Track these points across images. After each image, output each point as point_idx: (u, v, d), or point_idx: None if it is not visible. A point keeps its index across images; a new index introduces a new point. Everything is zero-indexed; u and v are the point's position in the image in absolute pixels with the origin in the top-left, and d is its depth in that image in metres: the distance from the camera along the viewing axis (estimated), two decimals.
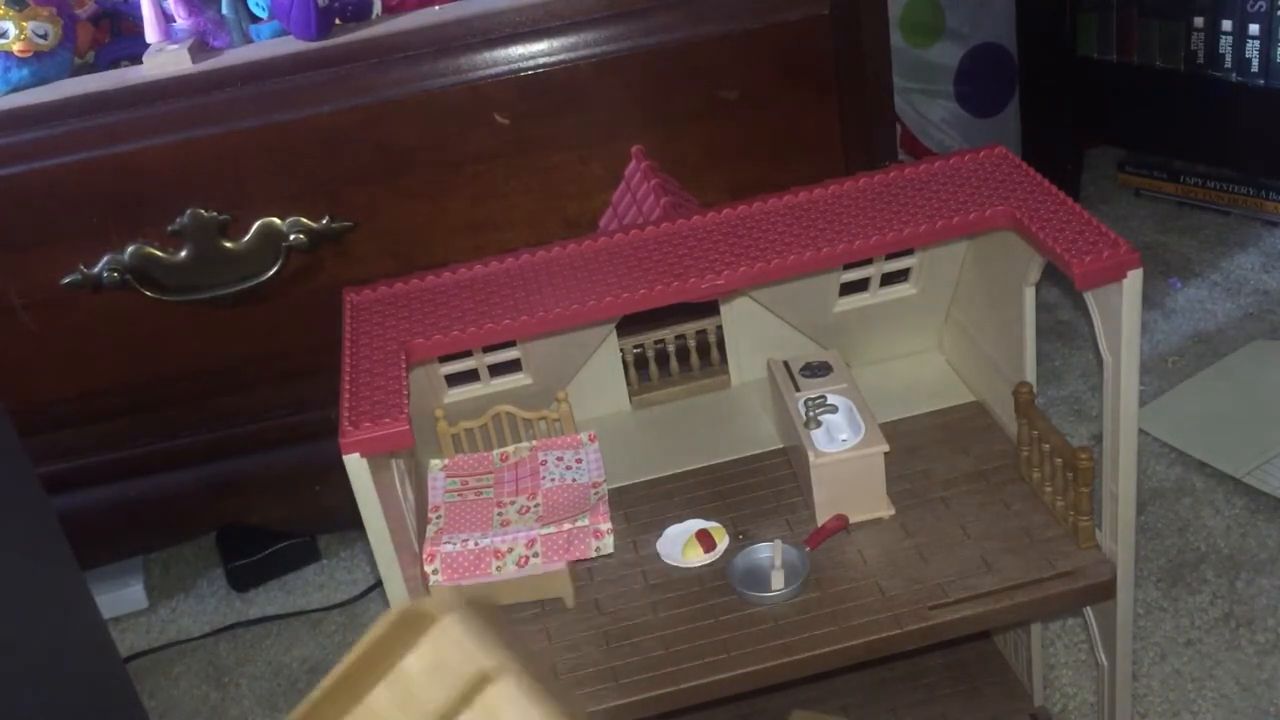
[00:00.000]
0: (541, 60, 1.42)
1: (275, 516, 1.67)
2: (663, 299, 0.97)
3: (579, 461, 1.16)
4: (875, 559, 1.06)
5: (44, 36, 1.44)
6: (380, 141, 1.43)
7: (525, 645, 0.83)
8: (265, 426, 1.60)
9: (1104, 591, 1.02)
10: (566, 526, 1.05)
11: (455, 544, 1.04)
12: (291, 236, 1.45)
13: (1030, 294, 1.08)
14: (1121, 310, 0.93)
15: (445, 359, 1.15)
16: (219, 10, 1.50)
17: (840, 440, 1.08)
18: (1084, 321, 1.89)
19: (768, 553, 1.06)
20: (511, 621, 1.07)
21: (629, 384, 1.28)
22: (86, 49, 1.55)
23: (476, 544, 1.04)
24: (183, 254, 1.45)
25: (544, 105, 1.43)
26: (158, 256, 1.45)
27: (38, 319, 1.47)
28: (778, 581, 1.04)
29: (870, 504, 1.09)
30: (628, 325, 1.22)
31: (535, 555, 1.05)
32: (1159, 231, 2.17)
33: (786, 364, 1.18)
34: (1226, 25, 1.97)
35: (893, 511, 1.10)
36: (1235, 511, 1.55)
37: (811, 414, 1.10)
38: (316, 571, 1.75)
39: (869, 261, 1.16)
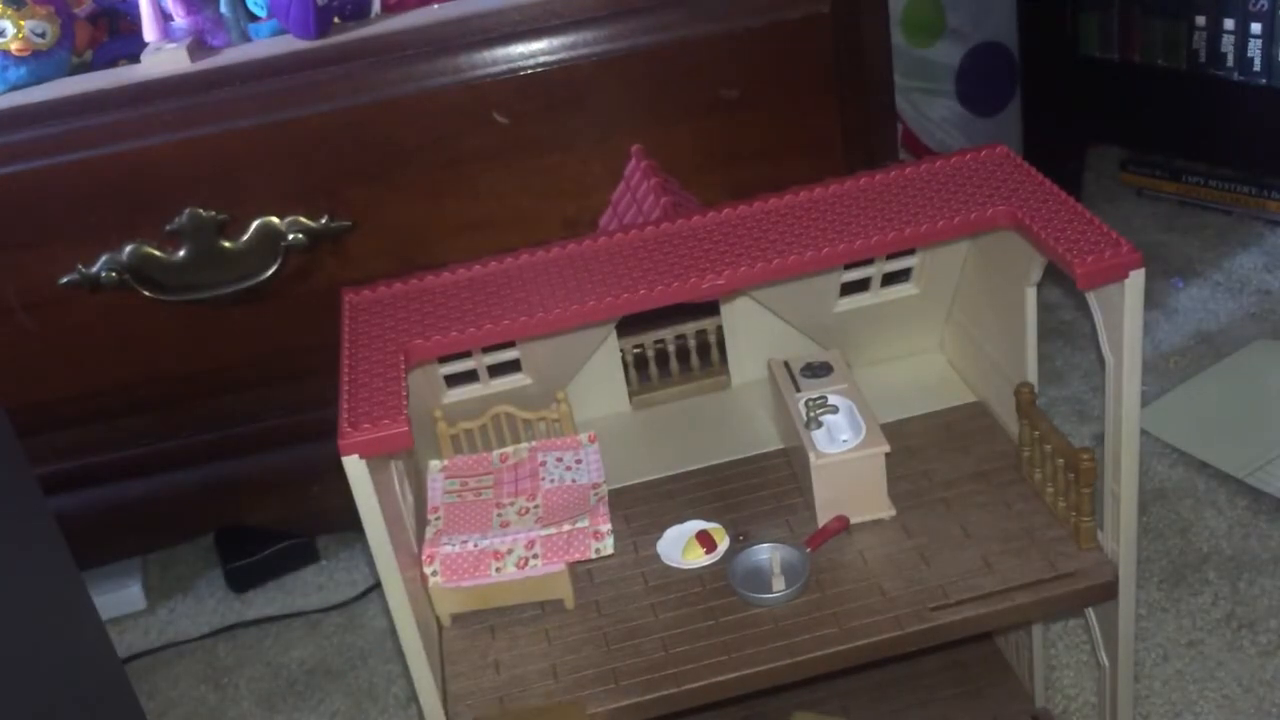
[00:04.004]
0: (541, 60, 1.41)
1: (274, 517, 1.66)
2: (663, 299, 0.97)
3: (579, 462, 1.15)
4: (876, 560, 1.05)
5: (42, 35, 1.44)
6: (379, 141, 1.42)
7: None
8: (264, 427, 1.59)
9: (1105, 592, 1.02)
10: (566, 528, 1.05)
11: (454, 545, 1.04)
12: (290, 236, 1.45)
13: (1032, 294, 1.08)
14: (1123, 310, 0.92)
15: (445, 359, 1.15)
16: (217, 9, 1.50)
17: (841, 441, 1.07)
18: (1086, 321, 1.89)
19: (768, 554, 1.06)
20: (511, 623, 1.06)
21: (629, 384, 1.28)
22: (84, 48, 1.55)
23: (476, 545, 1.04)
24: (181, 254, 1.45)
25: (544, 105, 1.43)
26: (156, 256, 1.44)
27: (36, 319, 1.47)
28: (778, 583, 1.03)
29: (871, 505, 1.09)
30: (628, 325, 1.21)
31: (535, 556, 1.05)
32: (1161, 231, 2.16)
33: (787, 364, 1.17)
34: (1229, 24, 1.97)
35: (894, 512, 1.09)
36: (1237, 512, 1.55)
37: (812, 414, 1.09)
38: (315, 572, 1.74)
39: (870, 261, 1.15)
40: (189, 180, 1.42)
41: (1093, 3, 2.12)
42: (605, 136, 1.44)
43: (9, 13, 1.42)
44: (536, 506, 1.11)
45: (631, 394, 1.28)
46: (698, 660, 0.99)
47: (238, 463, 1.61)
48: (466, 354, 1.14)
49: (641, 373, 1.29)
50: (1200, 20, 2.00)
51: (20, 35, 1.42)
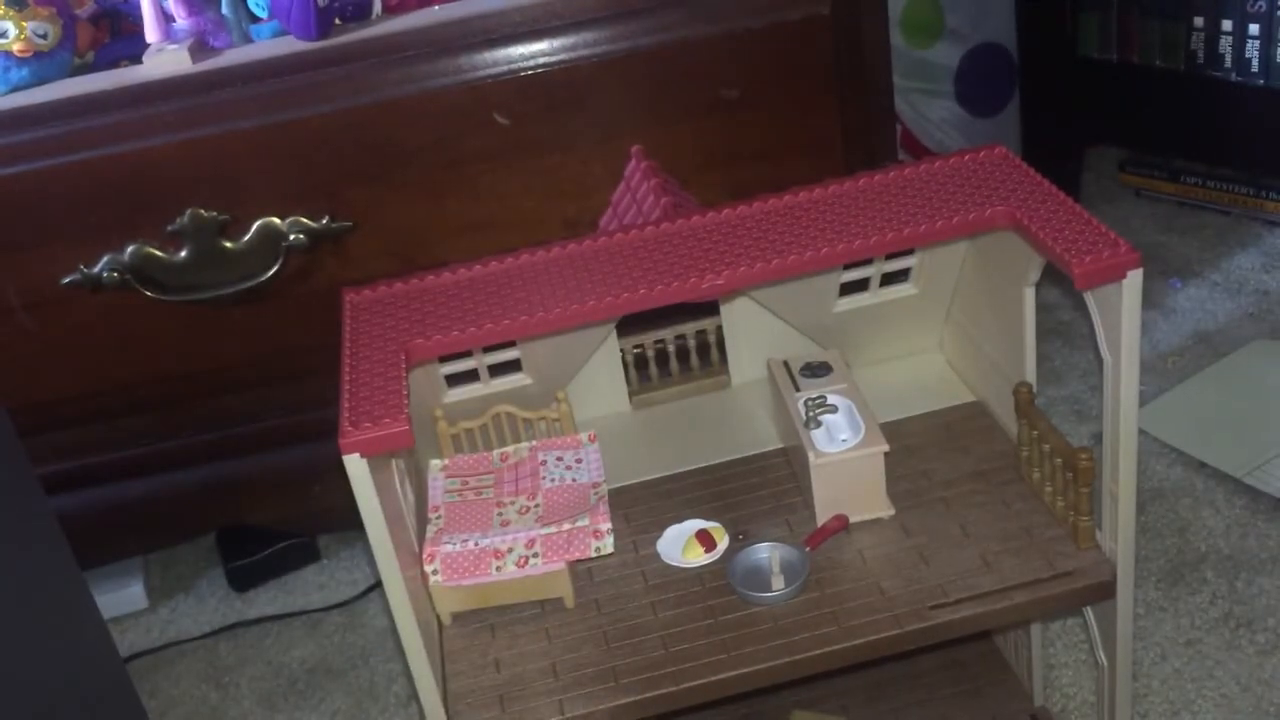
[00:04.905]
0: (541, 60, 1.42)
1: (275, 516, 1.67)
2: (663, 299, 0.97)
3: (579, 462, 1.16)
4: (875, 559, 1.06)
5: (44, 36, 1.44)
6: (380, 141, 1.43)
7: None
8: (265, 426, 1.60)
9: (1104, 591, 1.02)
10: (566, 527, 1.05)
11: (455, 544, 1.04)
12: (291, 236, 1.45)
13: (1030, 294, 1.08)
14: (1121, 310, 0.92)
15: (445, 359, 1.15)
16: (219, 10, 1.50)
17: (840, 440, 1.08)
18: (1084, 321, 1.89)
19: (767, 553, 1.06)
20: (511, 622, 1.07)
21: (629, 384, 1.28)
22: (86, 49, 1.55)
23: (476, 544, 1.04)
24: (182, 254, 1.45)
25: (544, 105, 1.43)
26: (157, 256, 1.45)
27: (38, 319, 1.47)
28: (778, 582, 1.03)
29: (870, 504, 1.09)
30: (628, 325, 1.21)
31: (535, 555, 1.05)
32: (1159, 231, 2.17)
33: (786, 364, 1.18)
34: (1226, 25, 1.97)
35: (893, 512, 1.10)
36: (1235, 512, 1.55)
37: (811, 414, 1.10)
38: (316, 572, 1.75)
39: (869, 261, 1.16)
40: (190, 181, 1.42)
41: (1091, 3, 2.12)
42: (606, 137, 1.45)
43: (11, 14, 1.42)
44: (537, 505, 1.11)
45: (631, 394, 1.29)
46: (697, 659, 1.00)
47: (239, 462, 1.61)
48: (467, 353, 1.15)
49: (641, 372, 1.29)
50: (1198, 21, 2.00)
51: (22, 36, 1.42)
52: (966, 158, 1.09)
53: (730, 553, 1.08)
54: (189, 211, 1.43)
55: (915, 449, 1.17)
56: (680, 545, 1.10)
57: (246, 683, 1.59)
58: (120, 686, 1.22)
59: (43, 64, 1.45)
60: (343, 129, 1.41)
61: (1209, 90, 2.03)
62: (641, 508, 1.16)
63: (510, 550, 1.05)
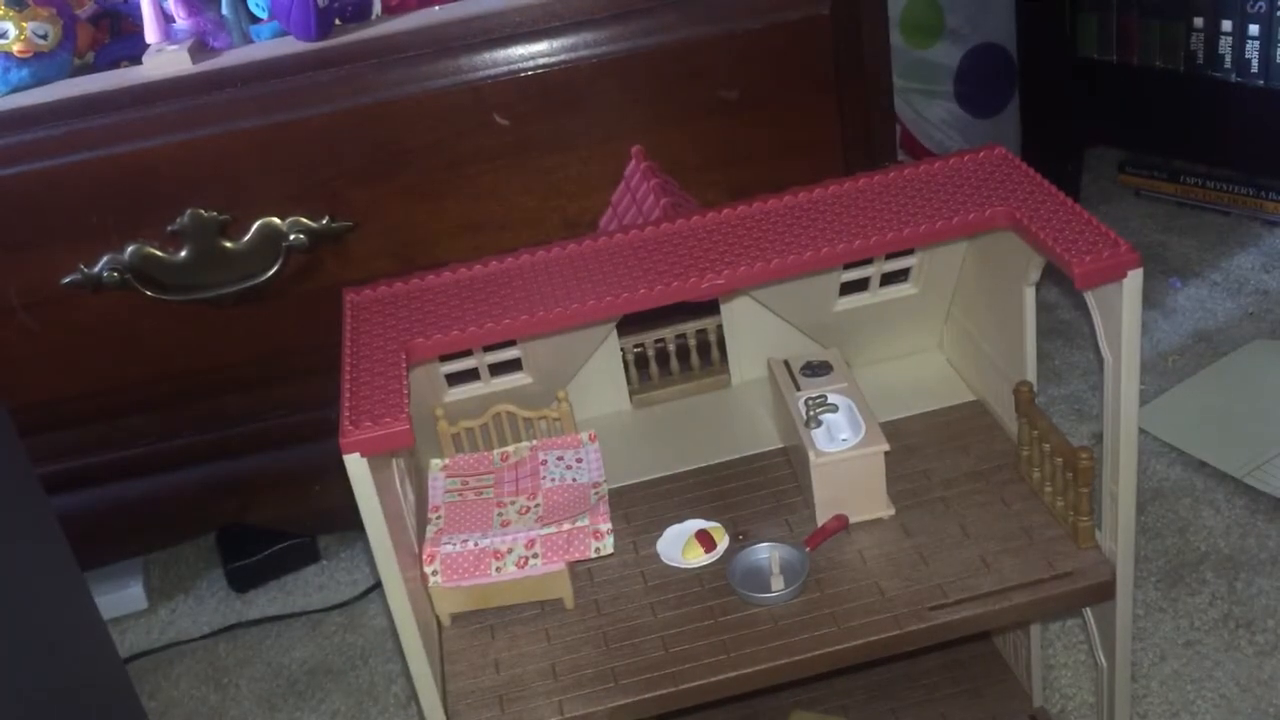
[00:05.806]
0: (541, 60, 1.42)
1: (275, 516, 1.67)
2: (663, 299, 0.97)
3: (579, 461, 1.16)
4: (875, 559, 1.06)
5: (44, 37, 1.44)
6: (380, 141, 1.43)
7: None
8: (265, 426, 1.60)
9: (1103, 592, 1.02)
10: (566, 527, 1.05)
11: (455, 544, 1.04)
12: (291, 236, 1.45)
13: (1030, 294, 1.08)
14: (1121, 310, 0.93)
15: (445, 358, 1.15)
16: (219, 11, 1.50)
17: (840, 440, 1.08)
18: (1084, 321, 1.89)
19: (767, 553, 1.06)
20: (511, 623, 1.07)
21: (629, 384, 1.28)
22: (86, 49, 1.55)
23: (476, 544, 1.04)
24: (183, 254, 1.45)
25: (544, 105, 1.43)
26: (158, 256, 1.45)
27: (38, 319, 1.47)
28: (777, 582, 1.03)
29: (870, 504, 1.09)
30: (628, 325, 1.22)
31: (535, 556, 1.05)
32: (1159, 231, 2.17)
33: (787, 363, 1.18)
34: (1226, 26, 1.97)
35: (893, 511, 1.10)
36: (1235, 512, 1.55)
37: (812, 413, 1.10)
38: (316, 572, 1.75)
39: (869, 261, 1.16)
40: (191, 181, 1.42)
41: (1091, 4, 2.13)
42: (605, 137, 1.45)
43: (11, 14, 1.42)
44: (537, 505, 1.11)
45: (632, 393, 1.29)
46: (697, 659, 1.00)
47: (239, 462, 1.61)
48: (467, 353, 1.15)
49: (642, 372, 1.30)
50: (1198, 22, 2.01)
51: (22, 37, 1.42)
52: (966, 158, 1.09)
53: (730, 553, 1.08)
54: (189, 211, 1.43)
55: (915, 449, 1.17)
56: (680, 545, 1.10)
57: (246, 683, 1.59)
58: (120, 686, 1.22)
59: (43, 64, 1.45)
60: (343, 129, 1.41)
61: (1209, 91, 2.03)
62: (641, 508, 1.16)
63: (510, 551, 1.05)
